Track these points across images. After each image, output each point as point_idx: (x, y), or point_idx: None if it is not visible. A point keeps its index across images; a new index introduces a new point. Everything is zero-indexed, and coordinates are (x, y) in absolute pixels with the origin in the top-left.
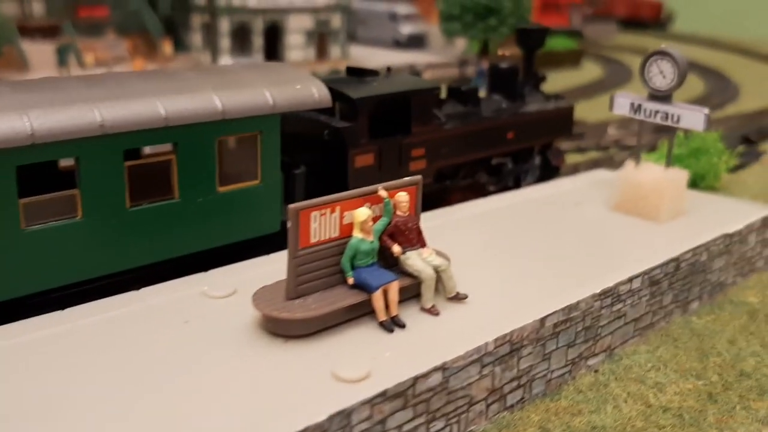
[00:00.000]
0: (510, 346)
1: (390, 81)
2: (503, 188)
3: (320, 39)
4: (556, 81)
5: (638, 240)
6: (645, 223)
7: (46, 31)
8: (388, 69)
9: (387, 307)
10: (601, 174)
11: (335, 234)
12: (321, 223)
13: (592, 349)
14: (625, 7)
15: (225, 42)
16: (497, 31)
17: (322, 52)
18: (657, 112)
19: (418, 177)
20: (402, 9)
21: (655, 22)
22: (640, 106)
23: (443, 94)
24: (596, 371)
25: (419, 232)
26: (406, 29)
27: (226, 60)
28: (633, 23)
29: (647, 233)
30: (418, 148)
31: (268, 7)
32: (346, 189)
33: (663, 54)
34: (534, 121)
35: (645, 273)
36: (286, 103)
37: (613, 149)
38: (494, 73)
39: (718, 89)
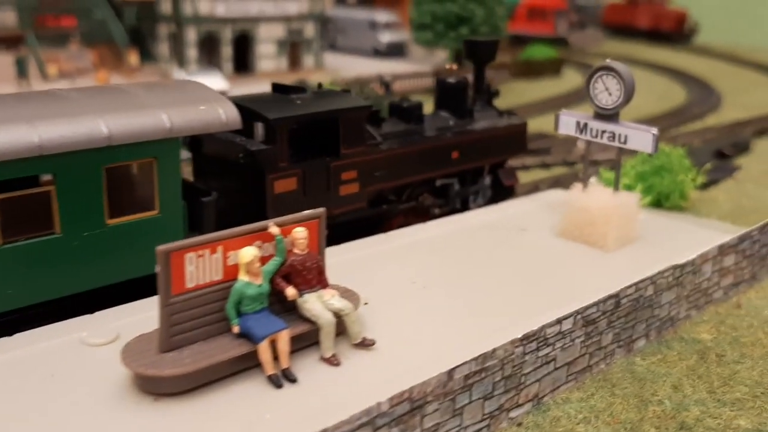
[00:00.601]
0: (410, 404)
1: (317, 99)
2: (451, 211)
3: (293, 48)
4: (535, 90)
5: (579, 272)
6: (591, 252)
7: (10, 42)
8: (319, 85)
9: (277, 358)
10: (554, 195)
11: (218, 277)
12: (199, 265)
13: (515, 399)
14: (647, 18)
15: (192, 52)
16: None
17: (295, 62)
18: (603, 131)
19: (321, 210)
20: (381, 17)
21: (677, 34)
22: (585, 125)
23: (384, 112)
24: (519, 424)
25: (320, 272)
26: (386, 38)
27: (192, 70)
28: (654, 36)
29: (591, 264)
30: (349, 170)
31: (237, 16)
32: (265, 217)
33: (608, 69)
34: (482, 139)
35: (578, 312)
36: (187, 126)
37: (581, 165)
38: (441, 88)
39: (700, 98)
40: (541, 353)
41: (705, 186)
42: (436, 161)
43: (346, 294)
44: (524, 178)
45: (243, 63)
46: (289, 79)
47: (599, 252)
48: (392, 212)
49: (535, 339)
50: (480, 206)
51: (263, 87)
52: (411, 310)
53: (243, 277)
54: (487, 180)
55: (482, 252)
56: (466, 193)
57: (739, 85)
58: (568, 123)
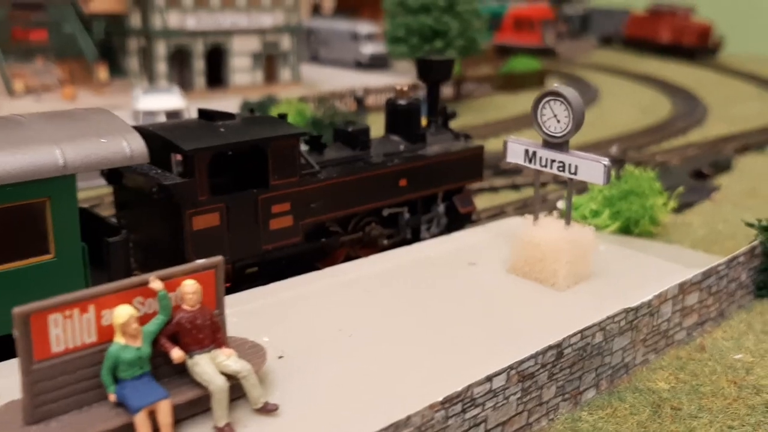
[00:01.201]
0: None
1: (245, 126)
2: (402, 241)
3: (268, 62)
4: (517, 104)
5: (524, 316)
6: (540, 292)
7: None
8: (251, 110)
9: (158, 431)
10: (513, 223)
11: (92, 339)
12: (68, 327)
13: None
14: (668, 32)
15: (161, 66)
16: (444, 54)
17: (270, 76)
18: (553, 161)
19: (218, 259)
20: (364, 28)
21: (700, 49)
22: (534, 153)
23: (326, 137)
24: None
25: (215, 329)
26: (368, 49)
27: (163, 85)
28: (675, 51)
29: (537, 306)
30: (280, 203)
31: (208, 29)
32: (183, 257)
33: (555, 95)
34: (434, 165)
35: (511, 367)
36: (83, 163)
37: (552, 185)
38: (392, 110)
39: (686, 111)
40: (468, 415)
41: (680, 209)
42: (381, 190)
43: (252, 350)
44: (492, 200)
45: (217, 77)
46: (264, 93)
47: (549, 291)
48: (334, 245)
49: (459, 401)
50: (434, 235)
51: (235, 102)
52: (330, 364)
53: (119, 340)
54: (442, 207)
55: (421, 291)
56: (418, 222)
57: (727, 97)
58: (516, 151)
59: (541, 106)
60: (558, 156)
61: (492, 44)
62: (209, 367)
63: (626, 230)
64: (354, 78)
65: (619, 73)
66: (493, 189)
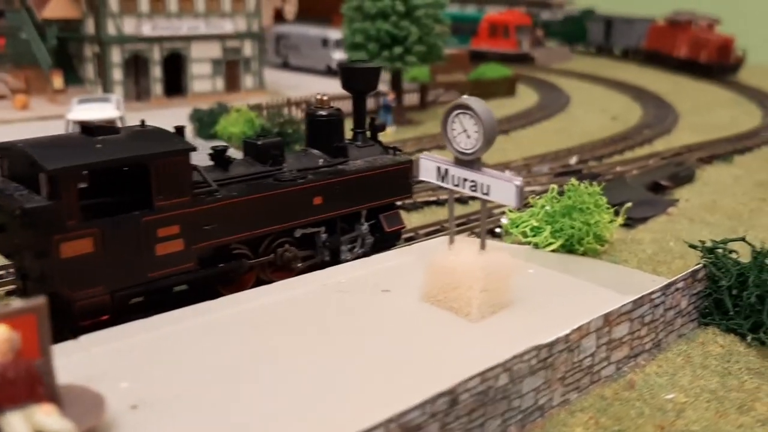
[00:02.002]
0: None
1: (127, 142)
2: (322, 263)
3: (229, 68)
4: None
5: (423, 355)
6: (451, 324)
7: None
8: (142, 123)
9: None
10: (434, 244)
11: None
12: None
13: None
14: (685, 45)
15: (117, 74)
16: (403, 60)
17: (232, 83)
18: (465, 180)
19: (38, 302)
20: (334, 34)
21: (720, 65)
22: (447, 171)
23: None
24: None
25: (34, 383)
26: (339, 55)
27: (118, 92)
28: (691, 67)
29: (443, 342)
30: (167, 226)
31: (165, 35)
32: (53, 287)
33: (464, 107)
34: (355, 181)
35: (391, 421)
36: None
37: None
38: (311, 122)
39: (656, 119)
40: None
41: (633, 224)
42: (291, 209)
43: (88, 402)
44: (435, 215)
45: (176, 85)
46: (227, 100)
47: (462, 323)
48: (238, 270)
49: None
50: (359, 257)
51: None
52: (194, 416)
53: None
54: (366, 226)
55: (320, 325)
56: (337, 243)
57: (701, 104)
58: (429, 168)
59: (450, 119)
60: (470, 174)
61: (467, 50)
62: (22, 428)
63: (570, 248)
64: (323, 85)
65: (594, 80)
66: (438, 203)
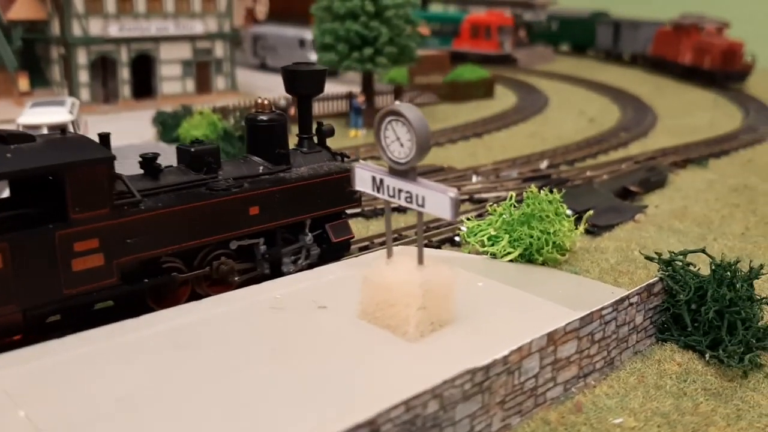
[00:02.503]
0: None
1: (41, 150)
2: (263, 277)
3: (200, 70)
4: (458, 114)
5: (354, 378)
6: (387, 343)
7: None
8: (62, 130)
9: None
10: (381, 255)
11: None
12: None
13: None
14: (690, 51)
15: (83, 75)
16: (374, 62)
17: (203, 84)
18: (400, 190)
19: None
20: (311, 35)
21: (725, 73)
22: (382, 181)
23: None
24: None
25: None
26: (315, 56)
27: (85, 95)
28: (695, 74)
29: (376, 364)
30: (85, 239)
31: (133, 36)
32: None
33: (396, 114)
34: (296, 189)
35: None
36: None
37: (467, 204)
38: (252, 127)
39: (634, 121)
40: None
41: (599, 232)
42: (224, 220)
43: None
44: (396, 222)
45: (146, 86)
46: (199, 102)
47: (398, 342)
48: (168, 284)
49: None
50: (303, 268)
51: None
52: None
53: None
54: (310, 237)
55: (249, 345)
56: (278, 255)
57: (680, 106)
58: (364, 178)
59: (383, 127)
60: (405, 185)
61: (449, 51)
62: None
63: (529, 258)
64: None
65: (575, 81)
66: (400, 210)
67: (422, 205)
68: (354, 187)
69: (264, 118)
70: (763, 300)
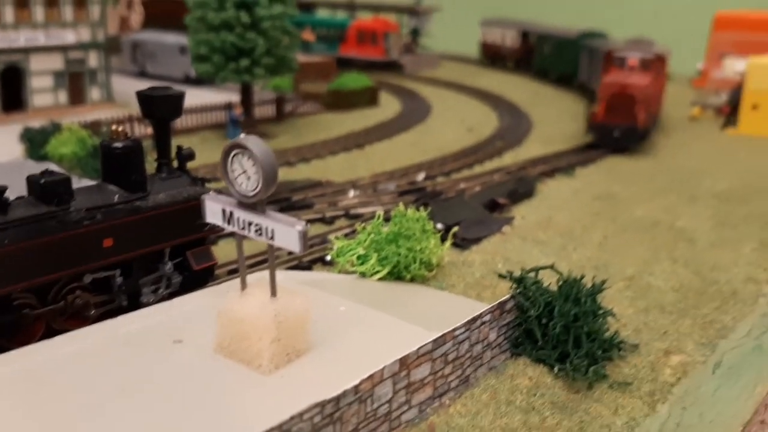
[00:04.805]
0: None
1: None
2: (119, 309)
3: (73, 81)
4: (343, 124)
5: (201, 418)
6: (240, 378)
7: None
8: None
9: None
10: (254, 278)
11: None
12: None
13: None
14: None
15: None
16: (251, 73)
17: (77, 96)
18: (250, 223)
19: None
20: None
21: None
22: (232, 214)
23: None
24: None
25: None
26: None
27: None
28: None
29: (228, 401)
30: None
31: (1, 47)
32: None
33: (242, 148)
34: (152, 218)
35: None
36: None
37: (342, 221)
38: (106, 155)
39: (511, 130)
40: None
41: (466, 244)
42: (76, 254)
43: None
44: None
45: (17, 99)
46: (72, 114)
47: (253, 376)
48: (18, 321)
49: None
50: (164, 298)
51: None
52: None
53: None
54: (170, 266)
55: (99, 386)
56: (135, 286)
57: (553, 114)
58: (214, 210)
59: (229, 160)
60: (254, 218)
61: (335, 57)
62: None
63: (398, 275)
64: None
65: (458, 88)
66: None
67: (272, 238)
68: (204, 219)
69: (119, 145)
70: (606, 313)
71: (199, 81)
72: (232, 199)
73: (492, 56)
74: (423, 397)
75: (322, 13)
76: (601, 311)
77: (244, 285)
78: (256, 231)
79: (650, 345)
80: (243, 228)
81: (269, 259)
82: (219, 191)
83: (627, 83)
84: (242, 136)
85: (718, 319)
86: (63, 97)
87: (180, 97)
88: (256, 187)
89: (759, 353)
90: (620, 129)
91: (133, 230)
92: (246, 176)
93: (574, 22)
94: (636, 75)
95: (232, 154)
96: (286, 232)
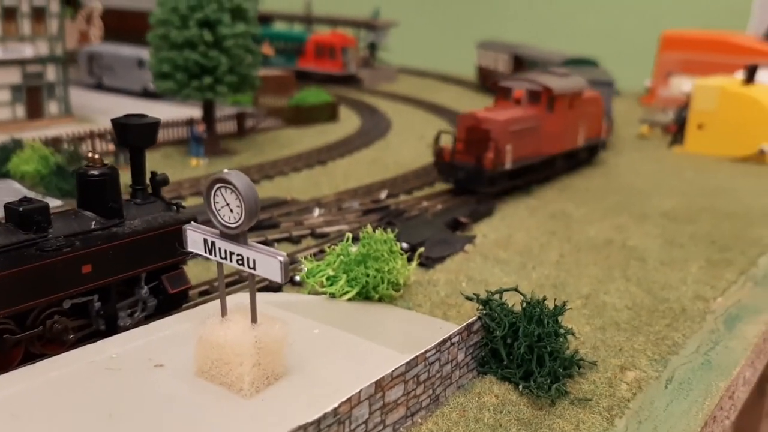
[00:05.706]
0: None
1: None
2: (95, 333)
3: (31, 95)
4: (303, 140)
5: None
6: (221, 402)
7: None
8: None
9: None
10: (232, 302)
11: None
12: None
13: None
14: None
15: None
16: (214, 91)
17: (34, 110)
18: (232, 253)
19: None
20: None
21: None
22: (213, 244)
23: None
24: None
25: None
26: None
27: None
28: None
29: (210, 425)
30: None
31: None
32: None
33: (225, 182)
34: (129, 244)
35: None
36: None
37: (309, 240)
38: (82, 182)
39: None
40: None
41: (431, 263)
42: (55, 280)
43: None
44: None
45: None
46: (30, 129)
47: (234, 399)
48: (4, 345)
49: None
50: (140, 322)
51: None
52: None
53: None
54: (146, 290)
55: (80, 412)
56: (113, 311)
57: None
58: (196, 240)
59: (213, 193)
60: (236, 248)
61: (294, 70)
62: None
63: (366, 296)
64: (139, 108)
65: (416, 103)
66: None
67: (253, 268)
68: (186, 248)
69: (95, 172)
70: (568, 332)
71: (157, 95)
72: (214, 230)
73: (486, 81)
74: (396, 417)
75: (280, 26)
76: (562, 331)
77: (224, 311)
78: (238, 261)
79: (607, 362)
80: (225, 257)
81: (250, 288)
82: (194, 218)
83: (483, 117)
84: (225, 171)
85: (669, 336)
86: (20, 111)
87: (155, 125)
88: (239, 220)
89: (707, 368)
90: (465, 170)
91: (111, 257)
92: (229, 209)
93: (582, 48)
94: (508, 109)
95: (215, 188)
96: (268, 263)
